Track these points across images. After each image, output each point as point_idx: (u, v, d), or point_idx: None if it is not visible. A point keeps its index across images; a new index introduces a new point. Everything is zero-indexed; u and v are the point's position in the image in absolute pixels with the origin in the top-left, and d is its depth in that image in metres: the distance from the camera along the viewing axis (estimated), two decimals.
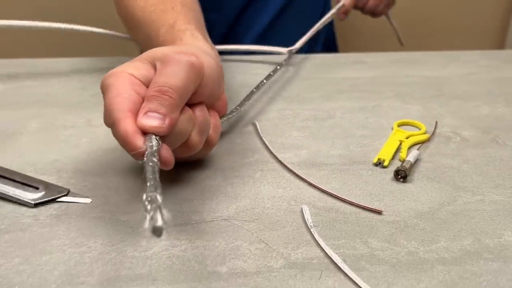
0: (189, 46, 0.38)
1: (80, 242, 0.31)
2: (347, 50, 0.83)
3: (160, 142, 0.30)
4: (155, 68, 0.33)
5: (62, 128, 0.45)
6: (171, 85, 0.30)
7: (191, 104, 0.33)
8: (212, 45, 0.41)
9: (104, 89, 0.32)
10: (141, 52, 0.37)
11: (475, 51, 0.66)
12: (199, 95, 0.34)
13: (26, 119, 0.47)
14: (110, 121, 0.30)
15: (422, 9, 1.54)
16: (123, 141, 0.30)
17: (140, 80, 0.32)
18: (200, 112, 0.34)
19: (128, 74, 0.32)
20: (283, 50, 0.60)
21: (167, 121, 0.30)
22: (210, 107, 0.37)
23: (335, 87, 0.55)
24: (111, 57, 0.64)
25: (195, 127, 0.33)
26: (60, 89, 0.54)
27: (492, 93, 0.53)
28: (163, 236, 0.31)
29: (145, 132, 0.30)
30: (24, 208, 0.34)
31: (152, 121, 0.29)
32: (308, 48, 0.79)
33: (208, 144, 0.36)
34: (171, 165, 0.31)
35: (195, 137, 0.33)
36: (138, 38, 0.49)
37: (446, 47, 1.51)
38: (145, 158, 0.28)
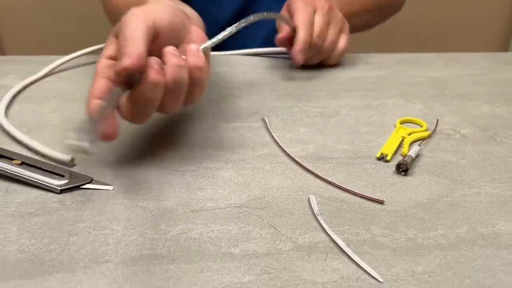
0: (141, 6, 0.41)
1: (104, 225, 0.33)
2: (352, 50, 0.83)
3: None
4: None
5: (81, 121, 0.48)
6: (125, 38, 0.35)
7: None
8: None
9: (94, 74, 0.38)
10: None
11: (478, 53, 0.68)
12: (166, 36, 0.38)
13: (47, 113, 0.50)
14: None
15: (429, 12, 1.56)
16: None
17: (112, 57, 0.38)
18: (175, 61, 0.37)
19: (103, 58, 0.38)
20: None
21: (132, 57, 0.34)
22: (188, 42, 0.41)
23: (342, 86, 0.57)
24: None
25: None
26: (78, 84, 0.57)
27: (492, 93, 0.55)
28: (181, 221, 0.33)
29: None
30: (50, 194, 0.36)
31: (122, 62, 0.34)
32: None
33: (194, 73, 0.38)
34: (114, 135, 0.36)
35: (176, 70, 0.36)
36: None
37: (451, 49, 1.53)
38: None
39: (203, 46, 0.40)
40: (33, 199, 0.36)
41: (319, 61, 0.61)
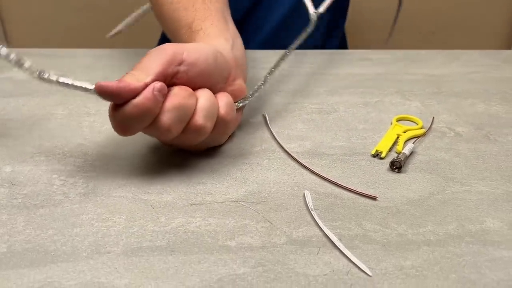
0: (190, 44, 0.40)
1: (106, 218, 0.34)
2: (356, 45, 0.83)
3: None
4: None
5: (85, 115, 0.49)
6: (136, 68, 0.35)
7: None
8: (230, 35, 0.44)
9: None
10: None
11: (476, 50, 0.69)
12: (195, 81, 0.37)
13: (52, 106, 0.51)
14: None
15: (431, 8, 1.56)
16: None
17: None
18: (203, 93, 0.37)
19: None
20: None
21: (119, 82, 0.34)
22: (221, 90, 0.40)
23: (341, 82, 0.58)
24: (131, 49, 0.67)
25: (197, 107, 0.36)
26: (82, 78, 0.58)
27: (488, 92, 0.56)
28: (180, 214, 0.35)
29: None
30: (55, 187, 0.38)
31: (107, 82, 0.34)
32: (323, 43, 0.81)
33: (221, 123, 0.38)
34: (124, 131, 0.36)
35: (199, 119, 0.36)
36: (166, 31, 0.53)
37: (453, 46, 1.53)
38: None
39: (240, 103, 0.42)
40: (39, 191, 0.37)
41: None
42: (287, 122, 0.48)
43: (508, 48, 1.66)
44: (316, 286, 0.29)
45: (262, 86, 0.45)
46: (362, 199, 0.37)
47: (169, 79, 0.36)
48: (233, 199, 0.37)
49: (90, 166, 0.40)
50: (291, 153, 0.42)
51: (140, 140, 0.44)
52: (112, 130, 0.46)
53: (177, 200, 0.36)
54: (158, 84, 0.34)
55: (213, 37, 0.43)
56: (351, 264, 0.31)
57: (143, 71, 0.35)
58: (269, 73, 0.46)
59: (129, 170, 0.40)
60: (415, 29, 1.58)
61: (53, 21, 1.56)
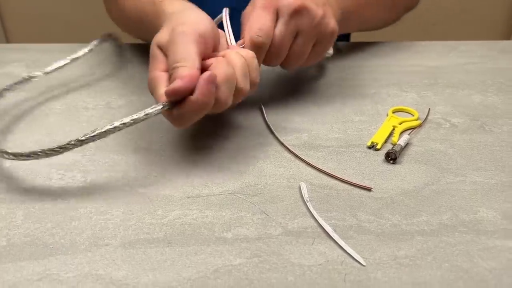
0: (176, 16, 0.41)
1: (104, 211, 0.35)
2: (359, 34, 0.82)
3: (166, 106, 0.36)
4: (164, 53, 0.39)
5: (83, 110, 0.50)
6: (177, 59, 0.36)
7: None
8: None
9: (151, 92, 0.39)
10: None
11: (474, 41, 0.69)
12: (210, 46, 0.39)
13: (50, 101, 0.51)
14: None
15: (431, 1, 1.55)
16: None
17: (166, 71, 0.39)
18: (235, 57, 0.39)
19: (159, 72, 0.38)
20: None
21: (183, 79, 0.35)
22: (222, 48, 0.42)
23: (339, 74, 0.58)
24: (128, 42, 0.68)
25: (237, 72, 0.38)
26: (80, 73, 0.58)
27: (485, 83, 0.56)
28: (177, 206, 0.35)
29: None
30: (53, 180, 0.38)
31: (171, 85, 0.35)
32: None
33: (252, 84, 0.40)
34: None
35: (240, 81, 0.38)
36: (131, 28, 0.55)
37: (453, 37, 1.53)
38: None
39: (240, 43, 0.43)
40: (37, 185, 0.38)
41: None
42: (284, 115, 0.48)
43: (508, 38, 1.66)
44: (310, 276, 0.29)
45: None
46: (357, 190, 0.37)
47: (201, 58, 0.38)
48: (229, 192, 0.37)
49: (88, 160, 0.41)
50: (287, 146, 0.43)
51: (137, 134, 0.44)
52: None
53: (174, 193, 0.37)
54: (206, 75, 0.35)
55: (176, 1, 0.44)
56: (345, 254, 0.31)
57: (186, 60, 0.36)
58: None
59: (126, 164, 0.40)
60: (415, 21, 1.57)
61: (52, 16, 1.55)
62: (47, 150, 0.35)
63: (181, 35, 0.37)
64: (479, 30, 1.62)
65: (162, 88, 0.37)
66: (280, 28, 0.43)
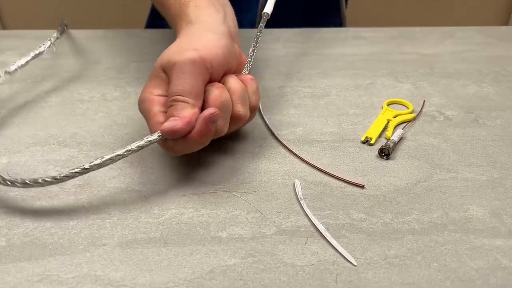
0: (190, 37, 0.40)
1: (101, 209, 0.36)
2: (355, 19, 0.80)
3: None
4: (167, 75, 0.38)
5: (79, 102, 0.50)
6: (180, 91, 0.35)
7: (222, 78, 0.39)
8: (220, 4, 0.44)
9: (143, 113, 0.38)
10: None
11: (471, 27, 0.69)
12: (217, 75, 0.38)
13: (46, 93, 0.51)
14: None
15: None
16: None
17: (162, 95, 0.38)
18: (233, 84, 0.38)
19: (153, 96, 0.37)
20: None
21: (183, 120, 0.34)
22: (236, 72, 0.41)
23: (333, 63, 0.58)
24: (124, 30, 0.67)
25: (234, 98, 0.38)
26: (75, 62, 0.58)
27: (481, 72, 0.56)
28: (173, 205, 0.36)
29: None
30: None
31: (170, 123, 0.34)
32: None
33: (252, 109, 0.40)
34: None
35: (239, 107, 0.38)
36: (158, 7, 0.52)
37: (451, 21, 1.52)
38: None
39: (246, 71, 0.42)
40: None
41: None
42: (279, 107, 0.49)
43: (506, 23, 1.64)
44: (303, 276, 0.30)
45: (253, 54, 0.45)
46: (350, 188, 0.38)
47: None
48: (224, 189, 0.38)
49: (85, 157, 0.41)
50: (282, 141, 0.43)
51: (133, 129, 0.45)
52: (105, 119, 0.47)
53: (170, 190, 0.37)
54: (207, 114, 0.35)
55: (204, 7, 0.43)
56: (337, 254, 0.32)
57: (191, 96, 0.35)
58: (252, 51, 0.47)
59: (122, 161, 0.41)
60: (415, 6, 1.56)
61: (47, 3, 1.53)
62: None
63: (190, 65, 0.36)
64: (476, 17, 1.61)
65: (157, 114, 0.36)
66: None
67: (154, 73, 0.38)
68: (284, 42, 0.64)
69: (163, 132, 0.35)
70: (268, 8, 0.49)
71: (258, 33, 0.46)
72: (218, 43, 0.39)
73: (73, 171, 0.33)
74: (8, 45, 0.62)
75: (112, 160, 0.34)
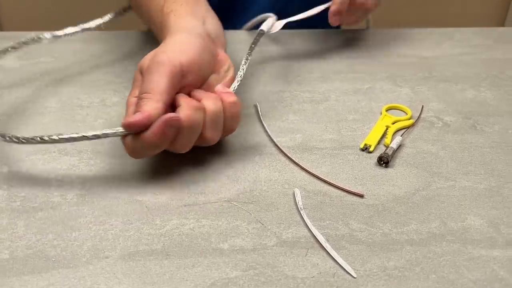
0: (165, 42, 0.41)
1: (103, 220, 0.36)
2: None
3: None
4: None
5: (78, 108, 0.50)
6: (145, 89, 0.37)
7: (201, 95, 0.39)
8: (201, 12, 0.46)
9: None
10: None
11: (470, 28, 0.69)
12: (192, 73, 0.39)
13: (45, 98, 0.51)
14: None
15: None
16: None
17: None
18: (210, 105, 0.38)
19: (133, 98, 0.39)
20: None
21: (143, 114, 0.35)
22: (214, 71, 0.42)
23: (333, 67, 0.58)
24: (122, 31, 0.67)
25: (207, 120, 0.38)
26: (74, 65, 0.58)
27: (479, 76, 0.56)
28: (174, 215, 0.36)
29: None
30: (52, 188, 0.39)
31: (132, 117, 0.36)
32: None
33: (227, 133, 0.41)
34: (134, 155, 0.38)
35: (208, 131, 0.38)
36: (142, 20, 0.55)
37: (447, 22, 1.51)
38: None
39: (234, 85, 0.43)
40: (37, 193, 0.38)
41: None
42: (279, 113, 0.49)
43: (502, 24, 1.65)
44: None
45: (245, 66, 0.46)
46: (350, 197, 0.38)
47: (177, 90, 0.39)
48: (225, 199, 0.38)
49: (86, 165, 0.41)
50: (282, 148, 0.43)
51: None
52: (105, 126, 0.47)
53: (171, 200, 0.38)
54: (166, 117, 0.35)
55: (183, 16, 0.45)
56: (337, 266, 0.32)
57: (154, 92, 0.37)
58: (248, 54, 0.48)
59: (123, 170, 0.41)
60: (414, 6, 1.56)
61: (45, 5, 1.52)
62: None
63: (156, 65, 0.38)
64: (472, 18, 1.61)
65: (131, 114, 0.37)
66: None
67: (135, 77, 0.40)
68: (281, 43, 0.64)
69: (122, 125, 0.36)
70: (265, 26, 0.51)
71: (249, 52, 0.47)
72: (189, 41, 0.40)
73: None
74: (6, 46, 0.62)
75: (66, 140, 0.36)
